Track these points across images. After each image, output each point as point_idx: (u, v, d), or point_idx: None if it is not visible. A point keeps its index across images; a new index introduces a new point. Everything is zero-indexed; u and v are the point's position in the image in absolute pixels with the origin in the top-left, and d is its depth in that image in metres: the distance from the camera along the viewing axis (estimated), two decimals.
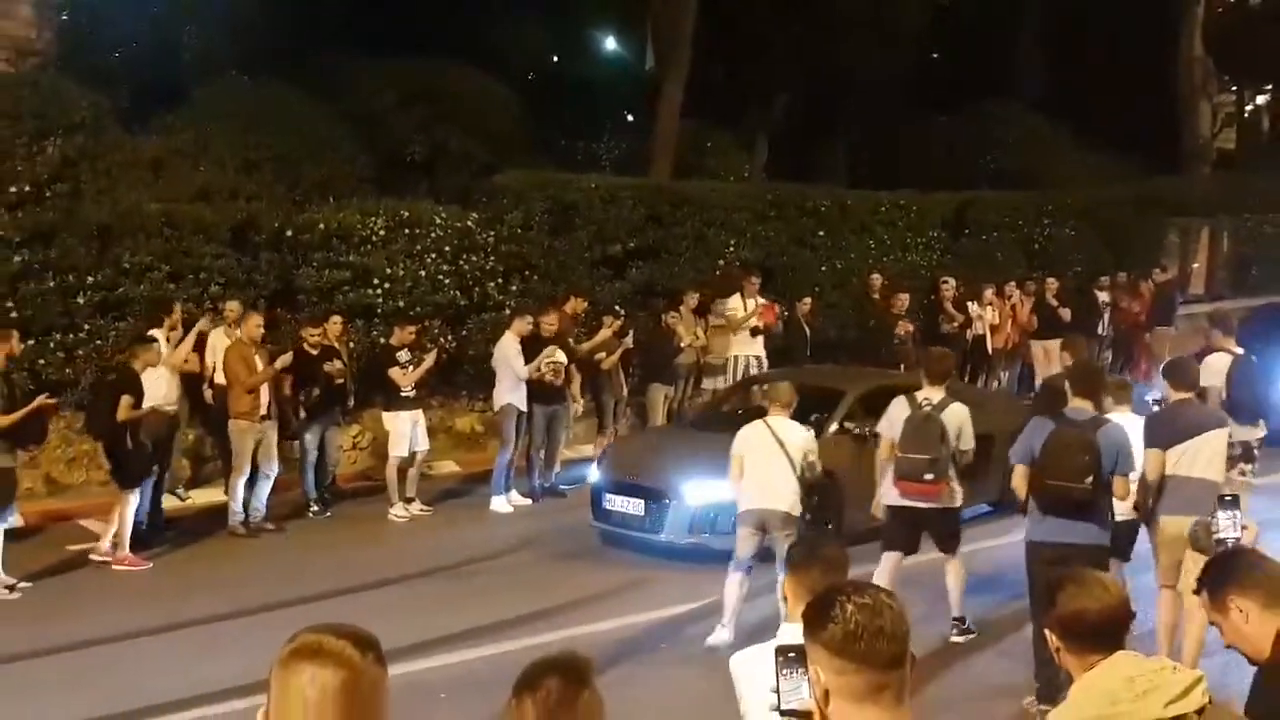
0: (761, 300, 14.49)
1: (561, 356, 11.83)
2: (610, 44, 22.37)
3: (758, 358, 14.39)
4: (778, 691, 2.50)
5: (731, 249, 16.11)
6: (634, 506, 9.89)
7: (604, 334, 12.99)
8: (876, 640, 2.20)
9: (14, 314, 11.75)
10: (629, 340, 13.18)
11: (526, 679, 2.24)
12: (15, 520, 9.11)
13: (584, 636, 7.71)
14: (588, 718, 2.21)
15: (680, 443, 10.92)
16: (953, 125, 20.96)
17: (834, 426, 10.17)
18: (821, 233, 17.05)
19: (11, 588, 8.84)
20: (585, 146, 19.37)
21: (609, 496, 10.15)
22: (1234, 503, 5.48)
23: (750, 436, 7.98)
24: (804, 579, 3.32)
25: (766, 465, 7.82)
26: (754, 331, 14.33)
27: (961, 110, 21.11)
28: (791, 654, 2.47)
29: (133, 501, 9.65)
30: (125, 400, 9.45)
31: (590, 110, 20.01)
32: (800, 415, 9.98)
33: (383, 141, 16.03)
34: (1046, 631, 3.07)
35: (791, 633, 3.11)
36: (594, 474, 10.67)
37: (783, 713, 2.49)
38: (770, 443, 7.86)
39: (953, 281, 16.05)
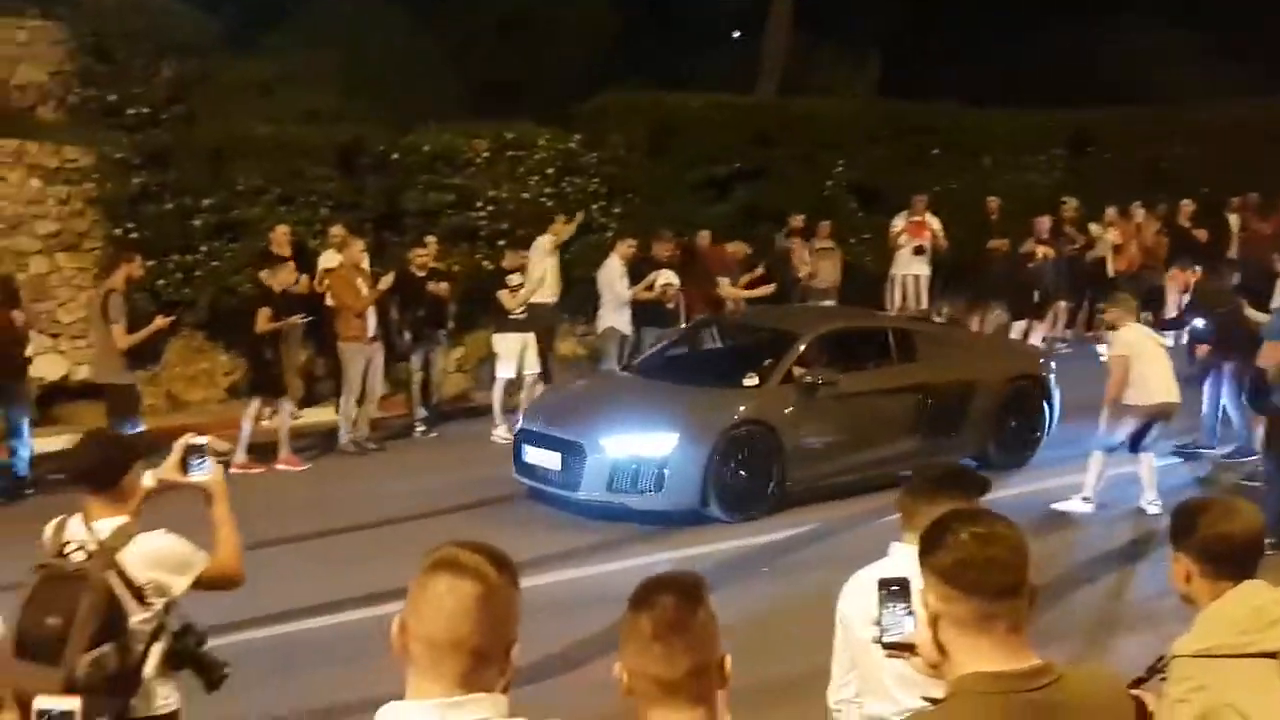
0: (917, 219, 14.83)
1: (673, 278, 11.86)
2: None
3: (916, 276, 14.71)
4: (880, 624, 2.52)
5: (841, 168, 15.91)
6: (551, 460, 8.94)
7: (764, 290, 13.05)
8: (987, 570, 2.20)
9: (134, 235, 12.24)
10: (772, 288, 13.12)
11: (641, 595, 2.23)
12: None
13: (687, 558, 7.86)
14: (702, 635, 2.19)
15: (614, 389, 9.96)
16: (1076, 38, 20.14)
17: (779, 375, 9.21)
18: (936, 151, 16.71)
19: None
20: (690, 64, 19.11)
21: (527, 448, 9.21)
22: None
23: (1135, 340, 8.70)
24: (917, 502, 3.27)
25: (1159, 363, 8.62)
26: (917, 250, 14.64)
27: (1087, 21, 20.27)
28: (895, 587, 2.50)
29: (284, 409, 10.45)
30: (264, 312, 10.14)
31: (696, 26, 19.74)
32: (748, 362, 9.62)
33: (481, 64, 16.05)
34: (1178, 557, 3.00)
35: (899, 553, 3.16)
36: (520, 423, 9.85)
37: (884, 645, 2.51)
38: (1154, 343, 8.73)
39: (1073, 201, 15.61)
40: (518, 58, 16.39)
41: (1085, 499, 8.87)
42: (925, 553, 2.31)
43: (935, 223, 14.96)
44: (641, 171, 14.68)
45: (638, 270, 11.95)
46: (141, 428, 9.62)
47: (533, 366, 11.63)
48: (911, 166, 16.47)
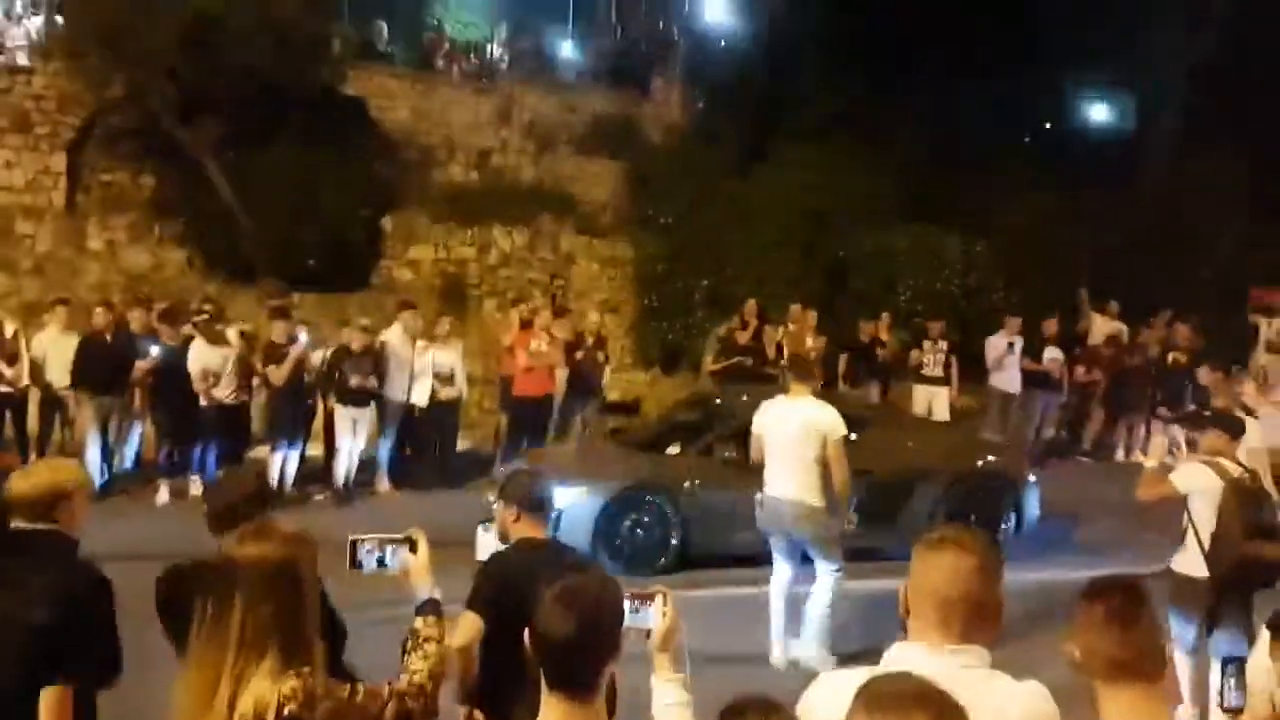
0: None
1: (1058, 354, 11.43)
2: (1097, 111, 21.03)
3: None
4: (1221, 692, 2.55)
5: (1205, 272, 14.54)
6: None
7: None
8: None
9: (655, 304, 13.49)
10: None
11: (1095, 589, 2.20)
12: None
13: None
14: (1149, 626, 2.14)
15: (581, 447, 9.08)
16: None
17: (698, 447, 7.93)
18: None
19: None
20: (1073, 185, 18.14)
21: None
22: None
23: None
24: None
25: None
26: None
27: None
28: (1237, 665, 2.58)
29: None
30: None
31: (1076, 158, 18.69)
32: (695, 434, 8.19)
33: (913, 182, 15.89)
34: None
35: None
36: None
37: (1223, 708, 2.59)
38: None
39: None
40: (942, 179, 15.79)
41: None
42: None
43: None
44: (1037, 265, 14.14)
45: (1030, 347, 11.49)
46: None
47: (942, 414, 11.48)
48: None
